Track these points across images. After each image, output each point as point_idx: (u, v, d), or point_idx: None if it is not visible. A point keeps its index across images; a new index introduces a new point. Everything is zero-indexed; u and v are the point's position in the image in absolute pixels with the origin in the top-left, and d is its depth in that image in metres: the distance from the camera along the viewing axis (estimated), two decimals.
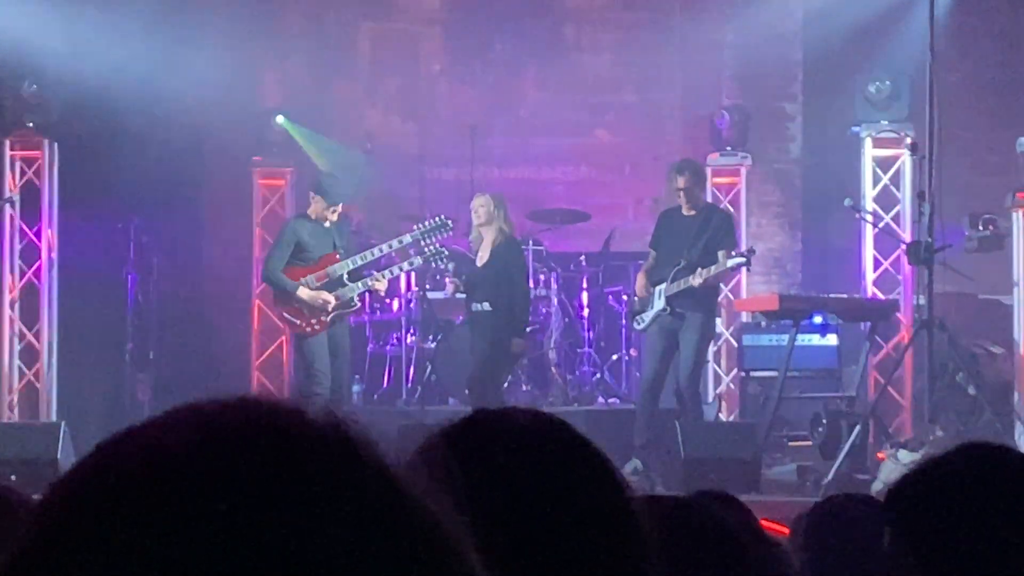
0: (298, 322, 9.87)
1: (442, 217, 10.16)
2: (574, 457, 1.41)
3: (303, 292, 9.77)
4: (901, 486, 2.12)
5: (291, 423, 0.84)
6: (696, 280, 9.78)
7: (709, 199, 12.34)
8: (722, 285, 12.18)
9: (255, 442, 0.82)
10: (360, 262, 9.90)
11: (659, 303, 10.04)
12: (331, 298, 9.76)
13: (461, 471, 1.24)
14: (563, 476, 1.38)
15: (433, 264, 10.30)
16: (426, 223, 10.11)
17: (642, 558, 1.38)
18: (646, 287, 10.17)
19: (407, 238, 10.05)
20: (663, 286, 10.02)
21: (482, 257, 10.29)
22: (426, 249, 10.04)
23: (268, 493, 0.80)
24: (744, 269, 11.55)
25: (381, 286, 9.95)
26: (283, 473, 0.81)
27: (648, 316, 10.11)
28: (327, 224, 9.88)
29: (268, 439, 0.82)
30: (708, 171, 12.42)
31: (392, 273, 10.05)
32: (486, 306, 10.14)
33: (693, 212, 10.16)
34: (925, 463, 2.13)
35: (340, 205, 9.94)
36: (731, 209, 12.45)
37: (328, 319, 9.79)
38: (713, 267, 9.86)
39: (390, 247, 10.03)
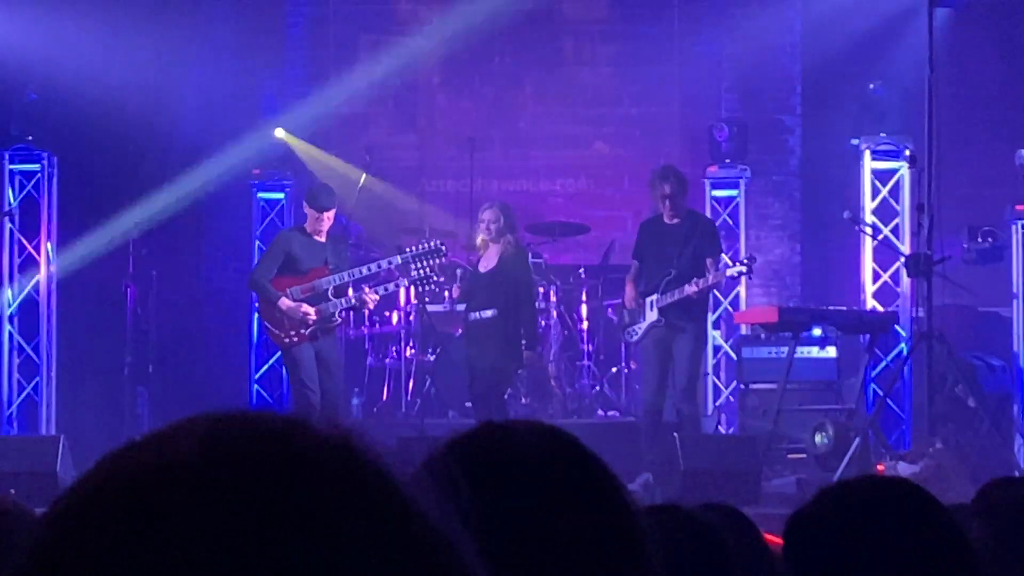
0: (278, 332, 9.84)
1: (437, 243, 10.02)
2: (579, 471, 1.41)
3: (284, 302, 9.74)
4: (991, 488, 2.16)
5: (296, 435, 0.84)
6: (691, 289, 9.74)
7: (708, 212, 12.38)
8: (721, 297, 12.21)
9: (260, 454, 0.82)
10: (348, 279, 9.85)
11: (652, 315, 9.97)
12: (311, 311, 9.71)
13: (467, 484, 1.24)
14: (568, 490, 1.38)
15: (420, 288, 10.23)
16: (419, 246, 10.00)
17: (646, 571, 1.37)
18: (636, 299, 10.10)
19: (397, 259, 9.97)
20: (654, 297, 9.95)
21: (487, 264, 10.20)
22: (414, 272, 9.94)
23: (274, 505, 0.80)
24: (744, 279, 11.56)
25: (371, 300, 9.90)
26: (289, 485, 0.81)
27: (641, 328, 10.04)
28: (321, 239, 9.86)
29: (273, 451, 0.82)
30: (707, 184, 12.47)
31: (378, 293, 9.99)
32: (486, 314, 10.04)
33: (676, 220, 10.07)
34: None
35: (331, 211, 9.89)
36: (729, 220, 12.47)
37: (307, 332, 9.75)
38: (711, 276, 9.83)
39: (379, 267, 9.97)
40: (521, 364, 10.27)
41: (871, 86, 11.68)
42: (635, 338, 10.16)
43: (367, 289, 9.89)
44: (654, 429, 9.98)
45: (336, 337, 10.20)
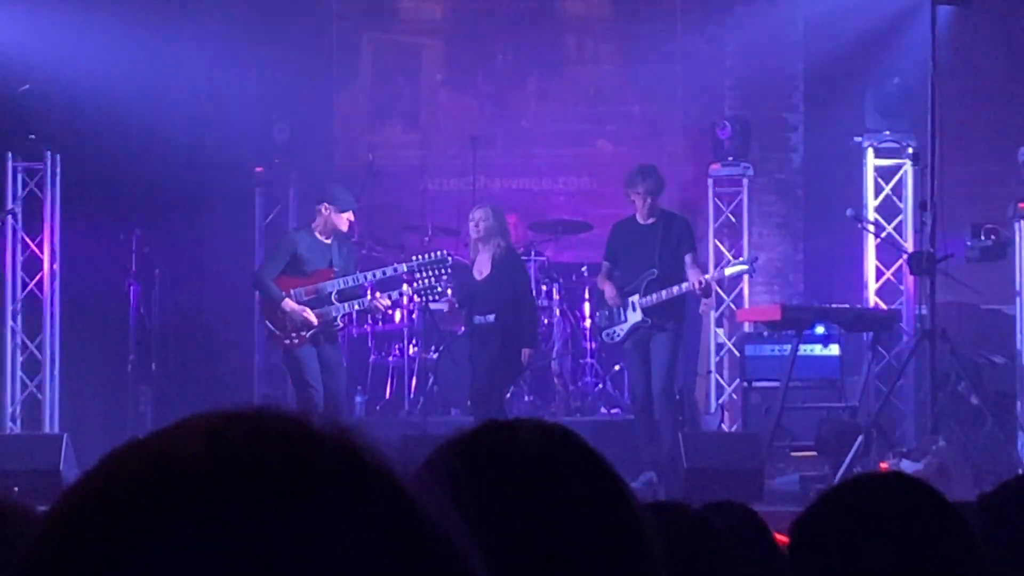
0: (279, 333, 9.86)
1: (443, 252, 10.07)
2: (582, 469, 1.41)
3: (287, 304, 9.75)
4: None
5: (298, 433, 0.84)
6: (694, 283, 9.75)
7: (711, 209, 12.38)
8: (724, 295, 12.20)
9: (262, 453, 0.82)
10: (352, 283, 9.87)
11: (635, 315, 9.97)
12: (313, 318, 9.71)
13: (469, 482, 1.24)
14: (570, 489, 1.38)
15: (425, 298, 10.24)
16: (425, 256, 10.02)
17: (649, 571, 1.37)
18: (616, 296, 10.11)
19: (403, 267, 9.99)
20: (635, 298, 9.96)
21: (481, 271, 10.25)
22: (418, 282, 9.97)
23: (276, 504, 0.80)
24: (746, 278, 11.56)
25: (382, 305, 9.94)
26: (291, 483, 0.81)
27: (624, 329, 10.05)
28: (328, 240, 9.86)
29: (275, 450, 0.82)
30: (710, 181, 12.46)
31: (391, 298, 10.03)
32: (490, 318, 10.10)
33: (651, 220, 10.08)
34: None
35: (351, 212, 9.94)
36: (732, 218, 12.45)
37: (308, 335, 9.76)
38: (708, 276, 9.82)
39: (384, 273, 9.99)
40: (522, 367, 10.29)
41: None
42: (617, 339, 10.17)
43: (378, 294, 9.92)
44: (648, 428, 10.02)
45: (337, 341, 10.20)
